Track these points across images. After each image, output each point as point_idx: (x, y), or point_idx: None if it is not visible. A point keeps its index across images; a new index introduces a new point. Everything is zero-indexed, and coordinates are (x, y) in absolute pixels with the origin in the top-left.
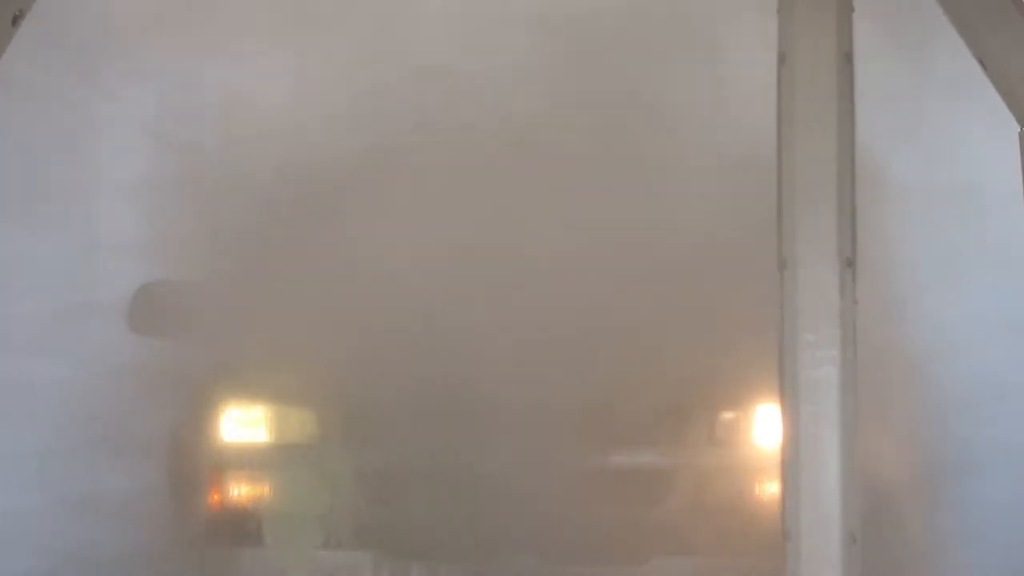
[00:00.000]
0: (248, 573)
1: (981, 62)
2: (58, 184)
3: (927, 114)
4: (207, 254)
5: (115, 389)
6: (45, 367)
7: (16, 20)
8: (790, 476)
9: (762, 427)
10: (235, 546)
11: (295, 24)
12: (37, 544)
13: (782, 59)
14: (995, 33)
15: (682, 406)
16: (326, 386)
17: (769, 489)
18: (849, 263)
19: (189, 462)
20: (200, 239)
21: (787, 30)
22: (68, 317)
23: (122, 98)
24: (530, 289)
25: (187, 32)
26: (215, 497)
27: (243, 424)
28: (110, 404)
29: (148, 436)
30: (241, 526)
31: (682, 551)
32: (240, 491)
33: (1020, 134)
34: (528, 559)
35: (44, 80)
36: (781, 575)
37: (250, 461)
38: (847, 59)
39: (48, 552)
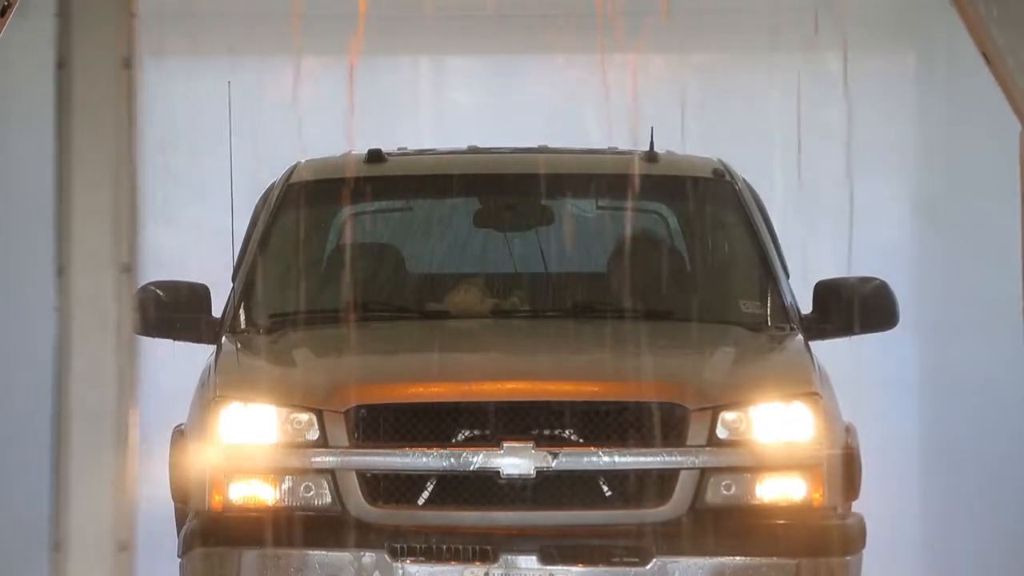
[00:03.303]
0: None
1: (985, 57)
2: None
3: None
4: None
5: None
6: None
7: (6, 11)
8: (62, 488)
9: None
10: (237, 546)
11: None
12: None
13: (61, 64)
14: (1001, 29)
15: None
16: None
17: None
18: (126, 269)
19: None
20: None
21: (65, 35)
22: None
23: None
24: None
25: None
26: (217, 497)
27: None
28: None
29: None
30: (243, 526)
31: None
32: (242, 491)
33: (1021, 133)
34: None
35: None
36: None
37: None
38: (126, 64)
39: None
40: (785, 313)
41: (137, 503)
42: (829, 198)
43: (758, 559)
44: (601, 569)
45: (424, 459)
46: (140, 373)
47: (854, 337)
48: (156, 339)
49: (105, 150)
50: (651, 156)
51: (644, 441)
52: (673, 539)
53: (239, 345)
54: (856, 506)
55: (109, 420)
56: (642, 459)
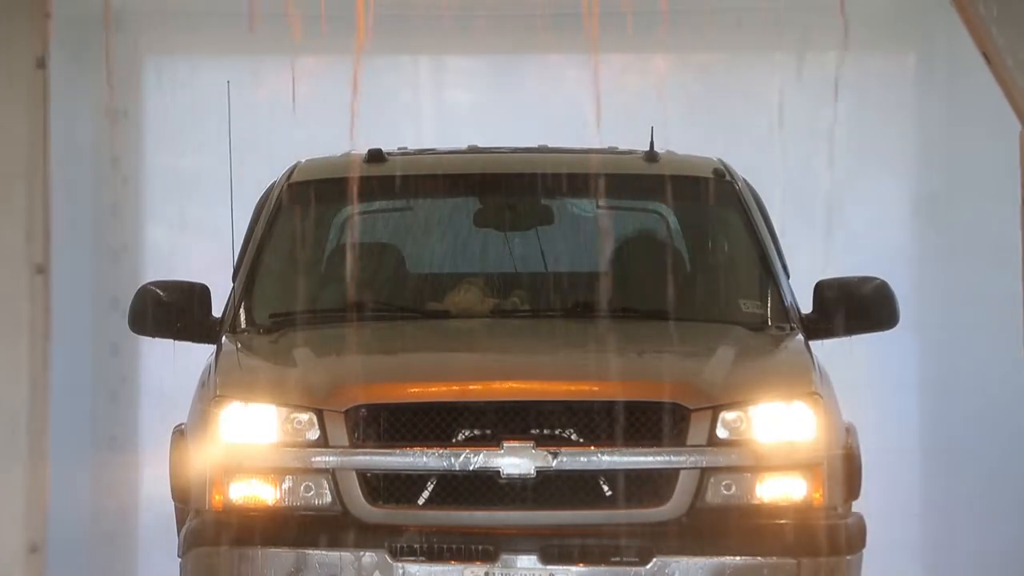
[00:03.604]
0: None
1: (985, 57)
2: None
3: None
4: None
5: None
6: None
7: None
8: None
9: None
10: (237, 546)
11: None
12: None
13: None
14: (1001, 29)
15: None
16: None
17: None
18: (40, 270)
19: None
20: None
21: None
22: None
23: None
24: None
25: None
26: (217, 497)
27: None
28: None
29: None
30: (243, 525)
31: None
32: (242, 491)
33: (1021, 133)
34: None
35: None
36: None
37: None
38: (40, 64)
39: None
40: (785, 313)
41: (49, 504)
42: (829, 198)
43: (758, 559)
44: (601, 569)
45: (424, 459)
46: (140, 373)
47: (854, 337)
48: (156, 339)
49: (18, 151)
50: (651, 156)
51: (644, 441)
52: (673, 539)
53: (239, 345)
54: (856, 506)
55: (22, 422)
56: (642, 459)
